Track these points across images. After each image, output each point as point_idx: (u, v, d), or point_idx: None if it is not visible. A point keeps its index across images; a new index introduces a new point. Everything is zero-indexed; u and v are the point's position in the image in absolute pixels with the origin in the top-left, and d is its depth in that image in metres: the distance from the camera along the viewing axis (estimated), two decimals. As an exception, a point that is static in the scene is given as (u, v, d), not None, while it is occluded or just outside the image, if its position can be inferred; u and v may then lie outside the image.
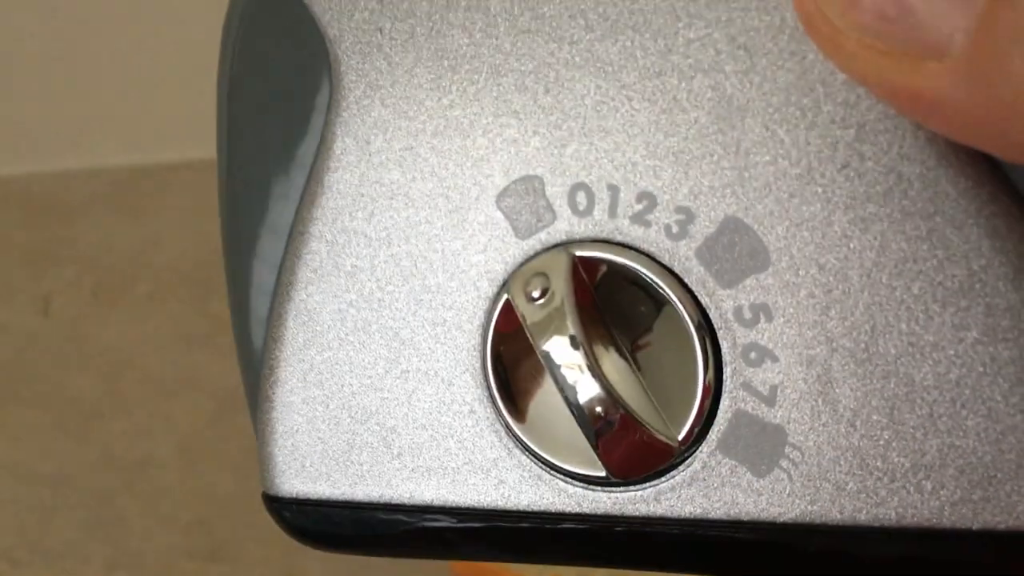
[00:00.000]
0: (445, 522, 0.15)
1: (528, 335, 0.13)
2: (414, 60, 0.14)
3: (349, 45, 0.14)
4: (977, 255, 0.13)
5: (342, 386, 0.15)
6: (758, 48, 0.13)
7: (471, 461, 0.14)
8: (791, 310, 0.13)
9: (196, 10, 0.52)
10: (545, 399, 0.13)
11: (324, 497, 0.15)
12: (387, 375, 0.15)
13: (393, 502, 0.15)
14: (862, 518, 0.13)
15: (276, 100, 0.15)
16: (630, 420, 0.13)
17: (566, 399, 0.13)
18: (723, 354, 0.13)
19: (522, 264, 0.13)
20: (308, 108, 0.15)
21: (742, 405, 0.13)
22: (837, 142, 0.13)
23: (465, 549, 0.15)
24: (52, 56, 0.51)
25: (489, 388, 0.14)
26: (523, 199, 0.14)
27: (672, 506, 0.14)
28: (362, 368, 0.15)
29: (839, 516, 0.13)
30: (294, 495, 0.16)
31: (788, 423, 0.13)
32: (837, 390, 0.13)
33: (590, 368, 0.13)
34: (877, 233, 0.13)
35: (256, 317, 0.16)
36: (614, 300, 0.13)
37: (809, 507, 0.13)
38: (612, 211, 0.13)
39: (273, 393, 0.16)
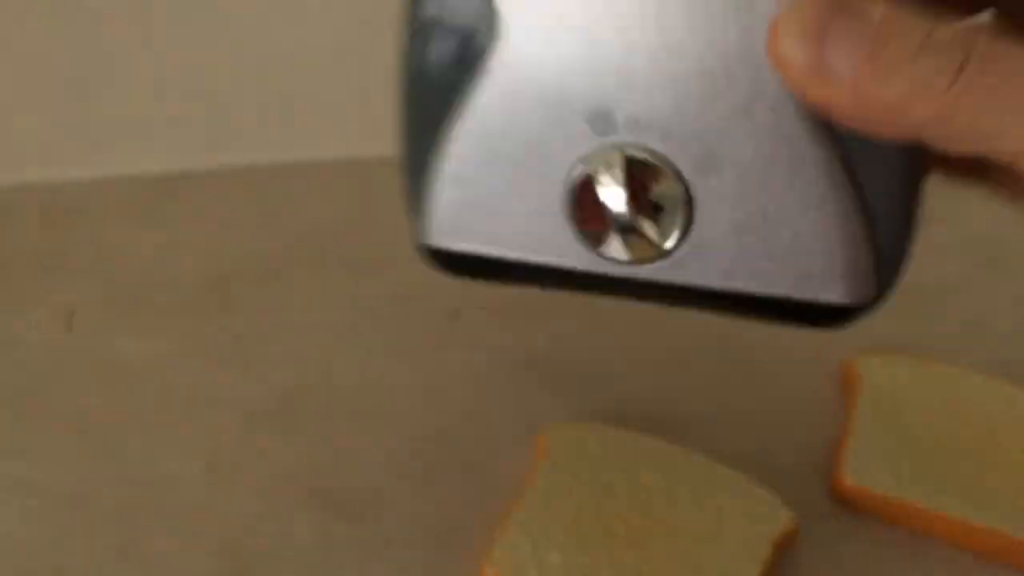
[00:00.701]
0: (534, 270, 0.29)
1: (597, 179, 0.27)
2: (543, 30, 0.26)
3: (508, 7, 0.26)
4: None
5: (485, 184, 0.28)
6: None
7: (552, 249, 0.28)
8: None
9: (219, 15, 0.51)
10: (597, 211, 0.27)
11: (464, 250, 0.29)
12: (514, 183, 0.27)
13: (507, 258, 0.28)
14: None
15: (460, 41, 0.27)
16: (641, 231, 0.27)
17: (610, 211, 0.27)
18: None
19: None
20: (479, 45, 0.27)
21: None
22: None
23: (541, 282, 0.29)
24: (70, 62, 0.50)
25: (571, 206, 0.27)
26: (598, 119, 0.27)
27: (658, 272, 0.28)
28: (500, 179, 0.28)
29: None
30: (441, 247, 0.29)
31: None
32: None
33: (628, 194, 0.26)
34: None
35: (427, 132, 0.29)
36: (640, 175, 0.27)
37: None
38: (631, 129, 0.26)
39: (439, 181, 0.28)
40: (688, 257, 0.27)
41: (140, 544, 0.35)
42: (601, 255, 0.27)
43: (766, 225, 0.27)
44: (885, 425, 0.40)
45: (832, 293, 0.27)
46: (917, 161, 0.26)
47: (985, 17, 0.24)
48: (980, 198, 0.31)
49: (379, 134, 0.57)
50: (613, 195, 0.26)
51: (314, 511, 0.37)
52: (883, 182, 0.26)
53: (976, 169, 0.28)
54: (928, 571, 0.36)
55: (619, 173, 0.26)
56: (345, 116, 0.55)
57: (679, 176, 0.26)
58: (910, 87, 0.22)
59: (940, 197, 0.53)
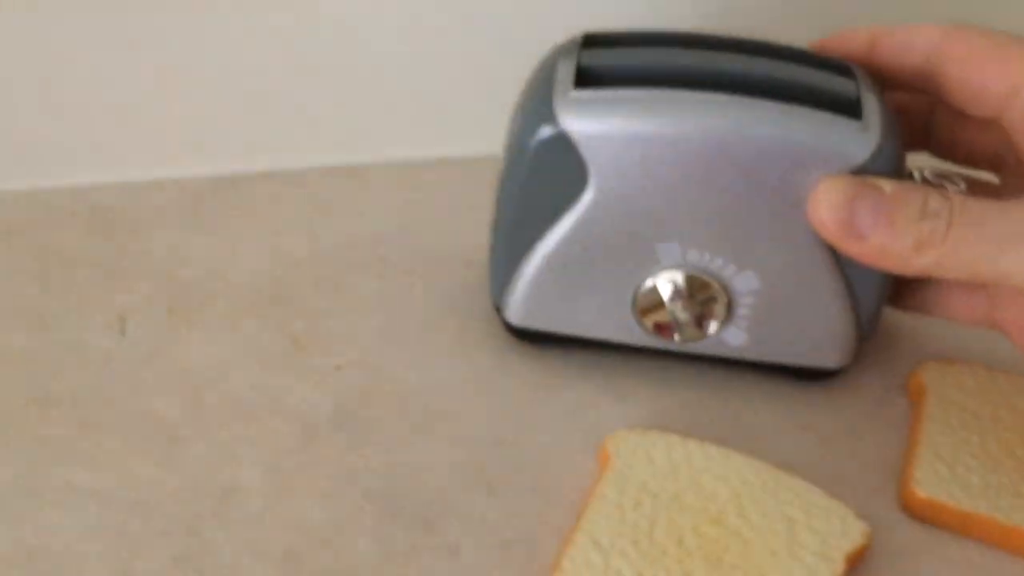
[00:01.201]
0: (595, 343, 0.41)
1: (665, 297, 0.38)
2: (620, 182, 0.36)
3: (596, 169, 0.36)
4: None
5: (565, 284, 0.39)
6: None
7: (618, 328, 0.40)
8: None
9: (268, 20, 0.51)
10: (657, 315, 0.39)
11: (536, 328, 0.41)
12: (592, 285, 0.38)
13: (580, 335, 0.40)
14: None
15: (558, 189, 0.37)
16: (691, 325, 0.39)
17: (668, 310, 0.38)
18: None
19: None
20: (574, 193, 0.37)
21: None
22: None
23: (601, 348, 0.41)
24: (120, 64, 0.50)
25: (634, 306, 0.39)
26: (664, 252, 0.38)
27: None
28: (578, 282, 0.39)
29: None
30: (525, 326, 0.41)
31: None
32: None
33: (683, 307, 0.38)
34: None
35: (518, 250, 0.39)
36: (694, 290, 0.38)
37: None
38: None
39: (520, 284, 0.39)
40: (723, 336, 0.39)
41: (203, 553, 0.35)
42: (657, 337, 0.39)
43: (783, 316, 0.38)
44: (953, 436, 0.39)
45: (829, 361, 0.40)
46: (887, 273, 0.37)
47: (961, 186, 0.37)
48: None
49: (431, 137, 0.57)
50: (674, 302, 0.38)
51: (377, 519, 0.36)
52: (867, 284, 0.38)
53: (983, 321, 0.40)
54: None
55: (681, 286, 0.38)
56: (397, 118, 0.54)
57: (724, 288, 0.38)
58: (916, 243, 0.33)
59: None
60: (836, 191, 0.34)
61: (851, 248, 0.34)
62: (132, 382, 0.41)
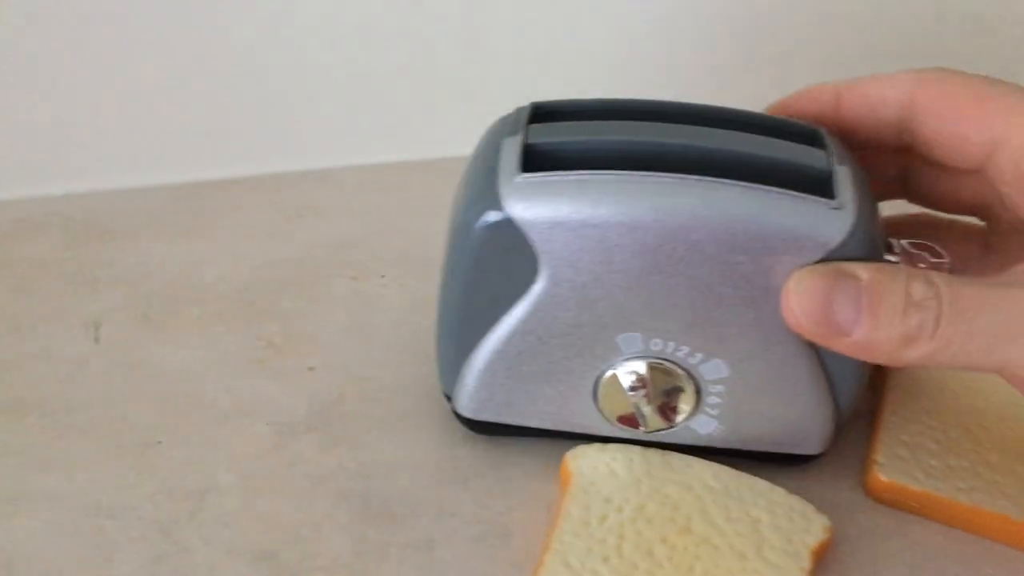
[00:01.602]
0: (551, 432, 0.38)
1: (626, 388, 0.36)
2: (574, 271, 0.34)
3: (546, 257, 0.33)
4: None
5: (517, 377, 0.36)
6: None
7: (579, 419, 0.37)
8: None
9: (233, 28, 0.51)
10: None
11: (486, 420, 0.38)
12: (537, 382, 0.36)
13: (520, 424, 0.38)
14: None
15: (506, 278, 0.34)
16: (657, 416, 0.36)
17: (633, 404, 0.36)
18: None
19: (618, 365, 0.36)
20: (524, 282, 0.34)
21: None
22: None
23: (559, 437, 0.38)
24: (89, 74, 0.50)
25: (595, 397, 0.36)
26: (625, 342, 0.35)
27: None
28: (533, 372, 0.36)
29: None
30: (477, 419, 0.38)
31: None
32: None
33: (647, 399, 0.36)
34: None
35: (466, 341, 0.36)
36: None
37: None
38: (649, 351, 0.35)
39: (470, 376, 0.37)
40: (692, 426, 0.37)
41: (179, 555, 0.35)
42: (622, 428, 0.37)
43: (756, 404, 0.36)
44: (915, 419, 0.40)
45: (806, 448, 0.37)
46: None
47: (945, 260, 0.34)
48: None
49: (398, 140, 0.57)
50: (637, 393, 0.35)
51: (351, 517, 0.37)
52: (845, 367, 0.35)
53: None
54: (966, 565, 0.36)
55: (644, 375, 0.35)
56: (365, 122, 0.55)
57: (691, 377, 0.35)
58: (903, 337, 0.30)
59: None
60: (809, 286, 0.31)
61: (833, 345, 0.32)
62: (106, 388, 0.41)
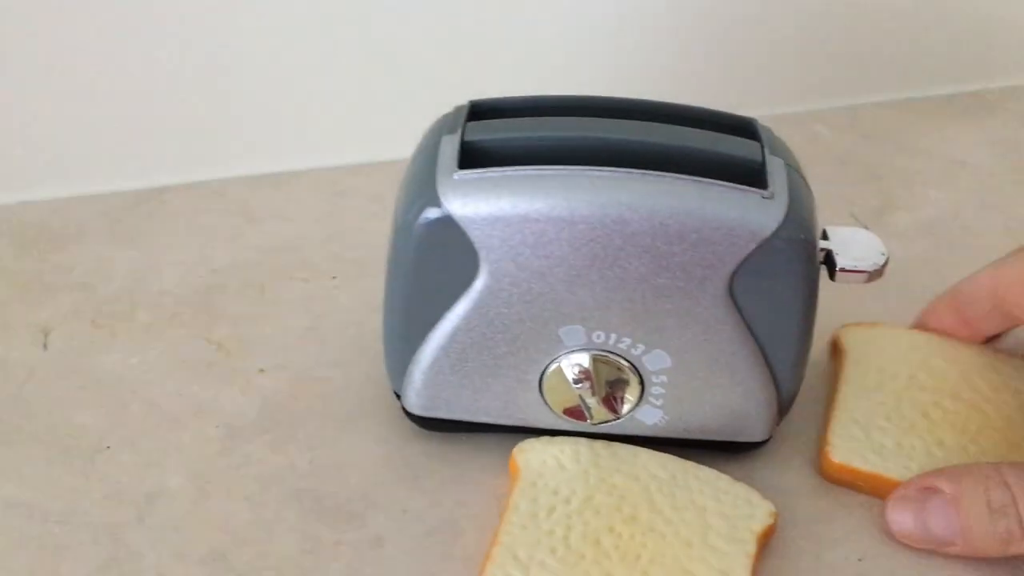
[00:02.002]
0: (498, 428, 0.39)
1: (571, 380, 0.36)
2: (515, 266, 0.34)
3: (487, 253, 0.34)
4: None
5: (462, 372, 0.37)
6: None
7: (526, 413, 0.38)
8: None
9: (184, 33, 0.51)
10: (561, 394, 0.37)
11: (434, 416, 0.38)
12: (493, 371, 0.36)
13: (469, 420, 0.38)
14: None
15: (447, 274, 0.35)
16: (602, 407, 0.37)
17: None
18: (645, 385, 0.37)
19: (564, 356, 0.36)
20: (466, 278, 0.35)
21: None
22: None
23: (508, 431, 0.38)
24: (40, 81, 0.50)
25: (541, 390, 0.37)
26: (568, 339, 0.35)
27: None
28: (478, 369, 0.36)
29: None
30: (426, 415, 0.38)
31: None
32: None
33: (592, 391, 0.36)
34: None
35: (412, 338, 0.37)
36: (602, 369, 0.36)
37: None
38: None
39: (417, 374, 0.37)
40: (638, 416, 0.37)
41: (129, 559, 0.35)
42: (569, 420, 0.37)
43: (699, 393, 0.36)
44: (869, 399, 0.40)
45: (751, 435, 0.38)
46: (808, 341, 0.37)
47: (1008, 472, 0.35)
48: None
49: (350, 144, 0.57)
50: (582, 385, 0.36)
51: (302, 517, 0.37)
52: (785, 355, 0.36)
53: None
54: (909, 547, 0.37)
55: (587, 368, 0.35)
56: (317, 124, 0.55)
57: (634, 368, 0.36)
58: (1001, 543, 0.34)
59: (901, 187, 0.55)
60: (901, 517, 0.36)
61: (950, 552, 0.35)
62: (55, 394, 0.41)
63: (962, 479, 0.35)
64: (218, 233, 0.50)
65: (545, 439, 0.38)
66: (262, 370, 0.42)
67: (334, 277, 0.47)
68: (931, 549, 0.35)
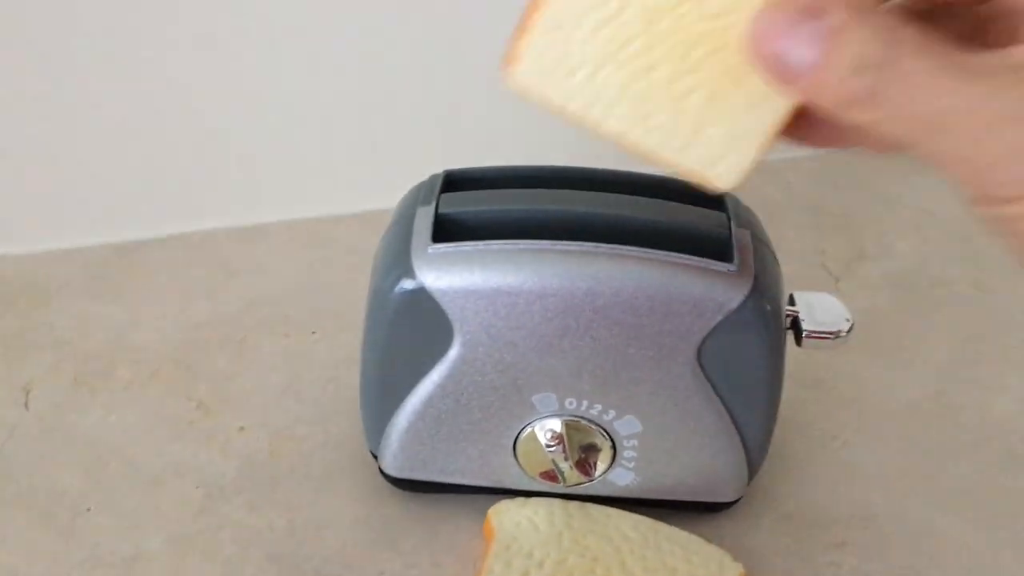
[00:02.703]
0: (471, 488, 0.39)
1: (544, 445, 0.37)
2: (488, 336, 0.35)
3: (460, 324, 0.35)
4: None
5: (437, 436, 0.38)
6: None
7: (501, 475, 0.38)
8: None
9: (162, 86, 0.52)
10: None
11: (411, 478, 0.39)
12: (459, 441, 0.38)
13: (445, 482, 0.39)
14: None
15: (422, 343, 0.36)
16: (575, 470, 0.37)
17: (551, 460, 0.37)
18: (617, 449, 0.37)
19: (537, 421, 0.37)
20: (441, 347, 0.36)
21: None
22: None
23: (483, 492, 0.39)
24: (18, 136, 0.50)
25: (515, 454, 0.38)
26: (540, 405, 0.36)
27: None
28: (452, 432, 0.37)
29: None
30: (402, 477, 0.39)
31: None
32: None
33: (564, 455, 0.37)
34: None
35: (388, 402, 0.37)
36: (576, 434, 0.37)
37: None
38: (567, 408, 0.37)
39: (394, 436, 0.38)
40: (610, 478, 0.38)
41: (109, 623, 0.36)
42: (543, 482, 0.38)
43: (670, 456, 0.37)
44: None
45: (722, 495, 0.39)
46: (776, 403, 0.37)
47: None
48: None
49: (328, 195, 0.58)
50: (554, 450, 0.37)
51: (280, 579, 0.37)
52: (753, 417, 0.37)
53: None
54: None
55: (560, 433, 0.37)
56: (296, 177, 0.55)
57: (606, 433, 0.37)
58: (848, 99, 0.26)
59: (871, 237, 0.55)
60: (770, 22, 0.25)
61: (782, 90, 0.26)
62: (35, 455, 0.42)
63: (858, 14, 0.26)
64: (197, 287, 0.51)
65: (519, 500, 0.38)
66: (242, 428, 0.43)
67: (314, 332, 0.48)
68: (768, 72, 0.26)
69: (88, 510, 0.39)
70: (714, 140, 0.25)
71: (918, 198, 0.60)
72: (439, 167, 0.39)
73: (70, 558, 0.38)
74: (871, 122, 0.26)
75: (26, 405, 0.44)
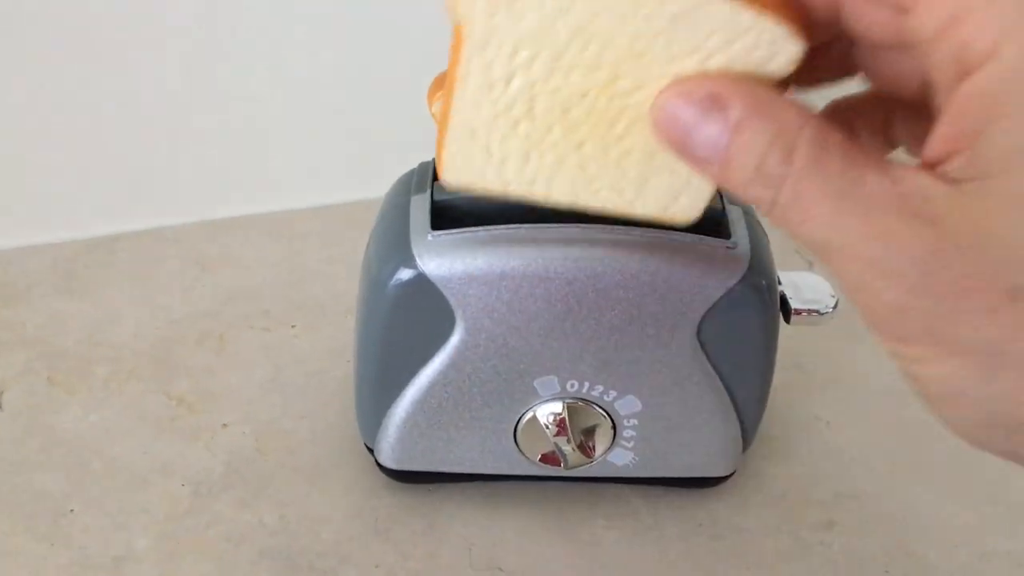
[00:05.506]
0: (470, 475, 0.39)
1: (545, 428, 0.37)
2: (490, 322, 0.34)
3: (462, 311, 0.34)
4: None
5: (438, 424, 0.37)
6: None
7: (501, 462, 0.38)
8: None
9: (133, 81, 0.51)
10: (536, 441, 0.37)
11: (409, 469, 0.39)
12: (459, 430, 0.37)
13: (444, 471, 0.39)
14: None
15: (423, 332, 0.35)
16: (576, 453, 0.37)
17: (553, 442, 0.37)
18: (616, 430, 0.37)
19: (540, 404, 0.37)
20: (442, 335, 0.35)
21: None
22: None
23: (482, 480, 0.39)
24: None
25: (516, 439, 0.37)
26: (542, 386, 0.36)
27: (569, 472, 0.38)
28: (453, 421, 0.37)
29: None
30: (401, 468, 0.39)
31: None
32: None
33: (567, 438, 0.37)
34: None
35: (386, 394, 0.37)
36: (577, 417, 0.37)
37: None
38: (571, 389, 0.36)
39: (392, 428, 0.37)
40: (609, 459, 0.38)
41: (99, 625, 0.35)
42: (544, 466, 0.38)
43: (668, 434, 0.37)
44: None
45: (716, 470, 0.39)
46: (769, 378, 0.38)
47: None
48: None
49: (304, 186, 0.57)
50: (557, 433, 0.37)
51: (269, 573, 0.37)
52: (749, 394, 0.37)
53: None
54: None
55: (562, 416, 0.36)
56: (265, 171, 0.55)
57: (607, 414, 0.37)
58: (754, 200, 0.25)
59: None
60: (673, 113, 0.25)
61: (692, 168, 0.25)
62: (14, 457, 0.40)
63: (756, 112, 0.25)
64: (172, 282, 0.50)
65: None
66: (225, 424, 0.42)
67: (293, 325, 0.47)
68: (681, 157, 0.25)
69: (71, 511, 0.38)
70: (662, 188, 0.26)
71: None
72: (416, 159, 0.39)
73: (56, 560, 0.37)
74: (771, 219, 0.25)
75: (1, 406, 0.43)
